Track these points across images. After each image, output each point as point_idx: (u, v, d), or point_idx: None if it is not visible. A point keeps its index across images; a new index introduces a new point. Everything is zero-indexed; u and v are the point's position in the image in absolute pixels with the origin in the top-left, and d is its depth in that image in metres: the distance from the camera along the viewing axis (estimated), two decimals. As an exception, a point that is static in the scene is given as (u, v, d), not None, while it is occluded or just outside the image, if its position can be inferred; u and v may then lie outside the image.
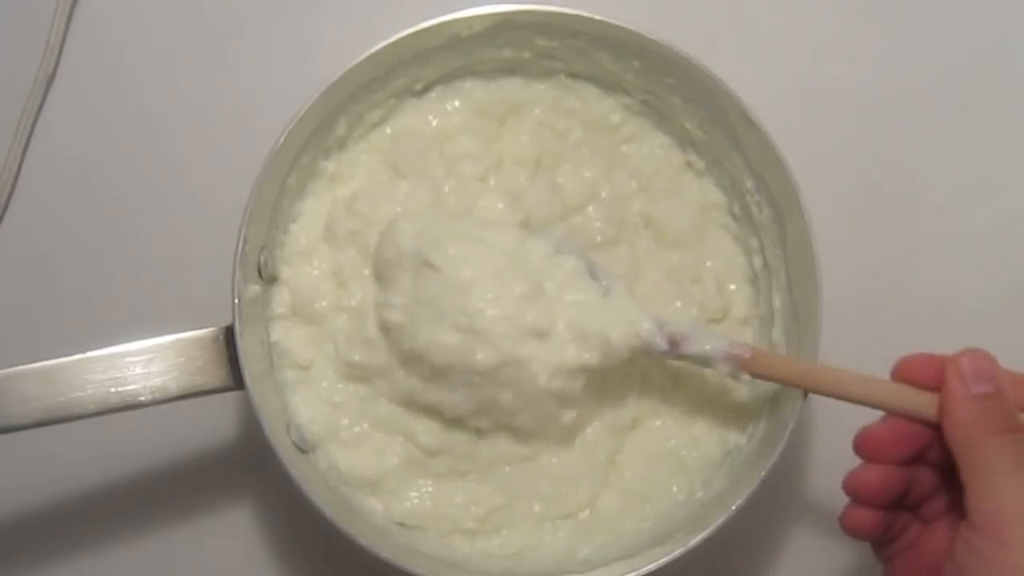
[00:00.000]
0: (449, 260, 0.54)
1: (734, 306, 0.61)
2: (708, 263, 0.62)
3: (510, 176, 0.61)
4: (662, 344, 0.54)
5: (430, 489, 0.58)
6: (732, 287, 0.62)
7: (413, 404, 0.57)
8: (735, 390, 0.60)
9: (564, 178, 0.62)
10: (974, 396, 0.47)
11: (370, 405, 0.58)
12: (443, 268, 0.54)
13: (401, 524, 0.57)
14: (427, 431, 0.57)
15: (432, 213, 0.59)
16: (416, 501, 0.57)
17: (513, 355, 0.53)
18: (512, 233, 0.57)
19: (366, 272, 0.58)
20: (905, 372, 0.51)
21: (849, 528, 0.51)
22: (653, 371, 0.60)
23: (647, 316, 0.54)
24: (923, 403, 0.50)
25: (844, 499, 0.52)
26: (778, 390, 0.57)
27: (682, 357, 0.55)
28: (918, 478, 0.51)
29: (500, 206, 0.59)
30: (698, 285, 0.61)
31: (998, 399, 0.47)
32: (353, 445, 0.58)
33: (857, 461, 0.51)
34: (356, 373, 0.58)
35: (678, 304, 0.61)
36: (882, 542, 0.53)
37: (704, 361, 0.54)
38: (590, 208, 0.62)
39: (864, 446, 0.51)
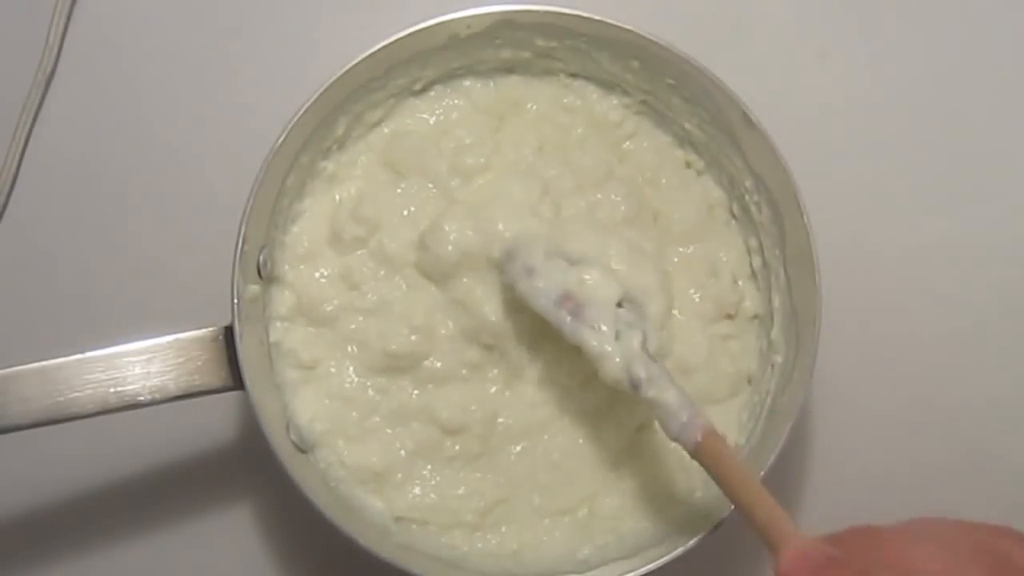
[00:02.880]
0: None
1: (745, 302, 0.61)
2: (722, 255, 0.62)
3: (516, 158, 0.61)
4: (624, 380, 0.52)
5: (435, 481, 0.58)
6: (740, 283, 0.62)
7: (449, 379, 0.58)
8: (743, 392, 0.60)
9: (574, 156, 0.62)
10: None
11: (388, 396, 0.58)
12: None
13: (402, 519, 0.57)
14: (449, 407, 0.58)
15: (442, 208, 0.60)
16: (419, 494, 0.58)
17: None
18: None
19: (382, 273, 0.59)
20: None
21: None
22: (668, 368, 0.59)
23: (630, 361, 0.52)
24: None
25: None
26: (777, 393, 0.57)
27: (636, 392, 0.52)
28: None
29: (513, 187, 0.60)
30: (714, 278, 0.61)
31: None
32: (360, 439, 0.58)
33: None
34: (393, 364, 0.58)
35: (695, 296, 0.61)
36: None
37: (653, 411, 0.52)
38: (607, 185, 0.61)
39: None
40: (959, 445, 0.65)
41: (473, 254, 0.58)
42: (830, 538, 0.44)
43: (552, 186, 0.60)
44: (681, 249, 0.62)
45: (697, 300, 0.61)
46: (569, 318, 0.54)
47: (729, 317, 0.61)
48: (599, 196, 0.60)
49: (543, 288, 0.55)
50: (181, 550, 0.64)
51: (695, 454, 0.50)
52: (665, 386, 0.51)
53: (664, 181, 0.63)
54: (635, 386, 0.52)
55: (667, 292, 0.57)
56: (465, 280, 0.58)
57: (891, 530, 0.43)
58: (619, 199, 0.60)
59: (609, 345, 0.53)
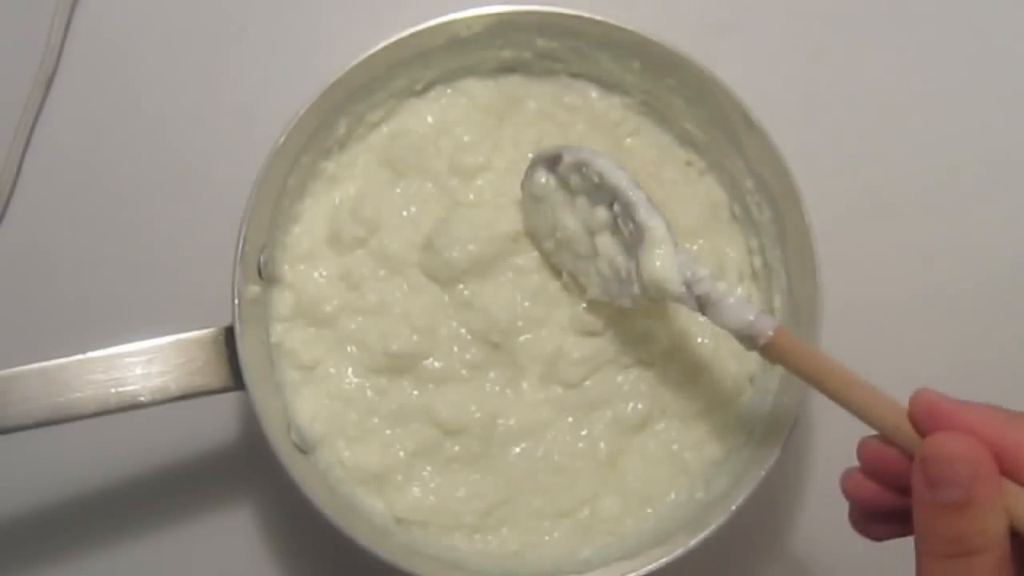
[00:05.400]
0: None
1: (752, 299, 0.61)
2: (729, 252, 0.62)
3: (515, 155, 0.61)
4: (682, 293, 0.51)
5: (434, 483, 0.58)
6: (744, 282, 0.62)
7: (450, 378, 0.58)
8: (744, 392, 0.60)
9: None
10: (937, 504, 0.40)
11: (388, 397, 0.58)
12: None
13: (402, 520, 0.57)
14: (449, 407, 0.58)
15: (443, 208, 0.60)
16: (419, 495, 0.58)
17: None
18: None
19: (381, 273, 0.59)
20: (913, 407, 0.45)
21: (846, 494, 0.47)
22: (670, 368, 0.60)
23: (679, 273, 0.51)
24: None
25: (843, 500, 0.52)
26: (777, 393, 0.57)
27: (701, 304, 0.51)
28: None
29: (513, 185, 0.60)
30: (721, 274, 0.61)
31: (966, 511, 0.39)
32: (360, 440, 0.58)
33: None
34: (393, 364, 0.58)
35: None
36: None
37: (718, 322, 0.50)
38: None
39: (863, 458, 0.47)
40: (959, 445, 0.65)
41: (483, 256, 0.58)
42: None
43: None
44: (688, 244, 0.62)
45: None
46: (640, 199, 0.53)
47: None
48: None
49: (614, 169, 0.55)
50: (181, 550, 0.64)
51: (765, 351, 0.48)
52: (721, 286, 0.50)
53: (667, 176, 0.63)
54: (690, 284, 0.50)
55: None
56: (474, 281, 0.58)
57: None
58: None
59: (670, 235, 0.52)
